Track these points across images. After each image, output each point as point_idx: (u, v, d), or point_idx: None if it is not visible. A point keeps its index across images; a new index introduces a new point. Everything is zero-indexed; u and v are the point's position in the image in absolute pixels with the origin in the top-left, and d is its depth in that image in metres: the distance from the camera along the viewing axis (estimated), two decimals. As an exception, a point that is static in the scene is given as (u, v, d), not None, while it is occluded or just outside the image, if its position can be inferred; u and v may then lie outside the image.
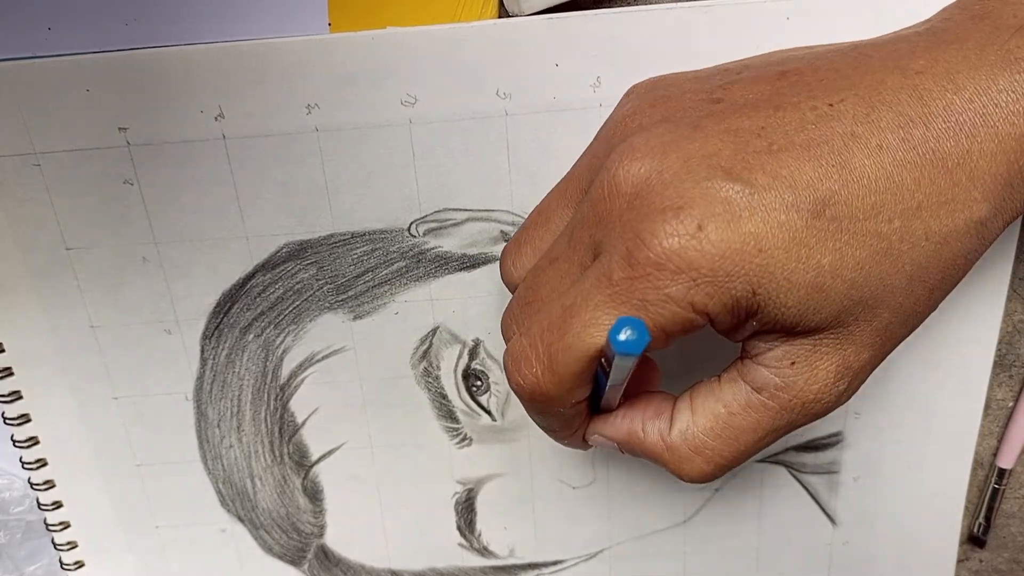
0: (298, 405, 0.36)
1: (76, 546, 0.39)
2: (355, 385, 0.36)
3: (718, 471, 0.26)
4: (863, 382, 0.25)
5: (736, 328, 0.23)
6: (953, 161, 0.22)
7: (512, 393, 0.35)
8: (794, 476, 0.38)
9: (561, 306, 0.23)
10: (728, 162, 0.22)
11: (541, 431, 0.35)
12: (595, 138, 0.27)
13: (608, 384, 0.24)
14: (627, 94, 0.27)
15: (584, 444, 0.29)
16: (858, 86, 0.23)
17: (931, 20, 0.26)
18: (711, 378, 0.26)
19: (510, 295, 0.34)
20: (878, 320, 0.23)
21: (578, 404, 0.25)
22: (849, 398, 0.25)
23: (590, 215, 0.24)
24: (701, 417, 0.25)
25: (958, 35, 0.23)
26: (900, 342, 0.25)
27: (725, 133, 0.23)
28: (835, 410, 0.25)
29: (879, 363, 0.25)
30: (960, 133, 0.22)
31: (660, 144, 0.23)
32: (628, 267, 0.22)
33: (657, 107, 0.25)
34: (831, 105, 0.23)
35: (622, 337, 0.20)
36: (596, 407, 0.27)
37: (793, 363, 0.24)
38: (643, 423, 0.26)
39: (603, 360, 0.23)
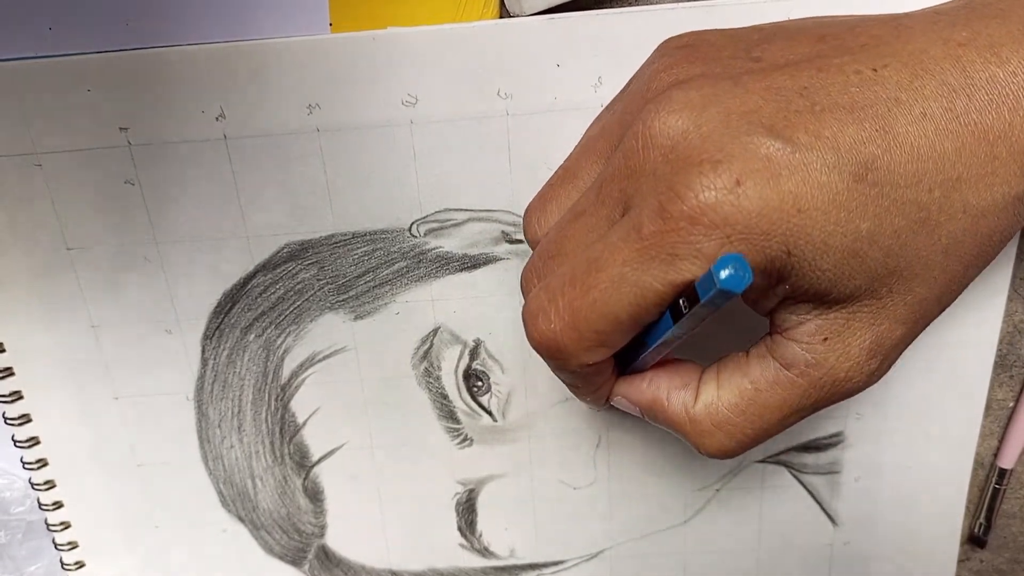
0: (299, 405, 0.36)
1: (77, 546, 0.38)
2: (356, 385, 0.36)
3: (739, 448, 0.25)
4: (893, 363, 0.25)
5: (766, 293, 0.23)
6: (995, 134, 0.22)
7: (513, 394, 0.35)
8: (795, 476, 0.38)
9: (586, 259, 0.23)
10: (770, 119, 0.21)
11: (543, 432, 0.35)
12: (624, 92, 0.27)
13: (662, 340, 0.23)
14: (658, 49, 0.26)
15: (605, 404, 0.28)
16: (900, 53, 0.22)
17: None
18: (738, 353, 0.26)
19: (509, 296, 0.34)
20: (912, 294, 0.23)
21: (599, 363, 0.24)
22: (879, 378, 0.24)
23: (622, 168, 0.23)
24: (727, 392, 0.25)
25: (1000, 10, 0.23)
26: (932, 320, 0.24)
27: (767, 91, 0.22)
28: (863, 391, 0.24)
29: (910, 342, 0.24)
30: (1003, 106, 0.22)
31: (699, 97, 0.22)
32: (660, 220, 0.21)
33: (694, 62, 0.24)
34: (875, 70, 0.22)
35: (724, 274, 0.19)
36: (623, 367, 0.27)
37: (826, 339, 0.23)
38: (668, 392, 0.26)
39: (671, 310, 0.22)
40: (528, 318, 0.24)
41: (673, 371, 0.26)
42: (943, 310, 0.24)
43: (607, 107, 0.28)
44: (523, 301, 0.26)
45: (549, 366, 0.26)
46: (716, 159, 0.21)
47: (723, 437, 0.25)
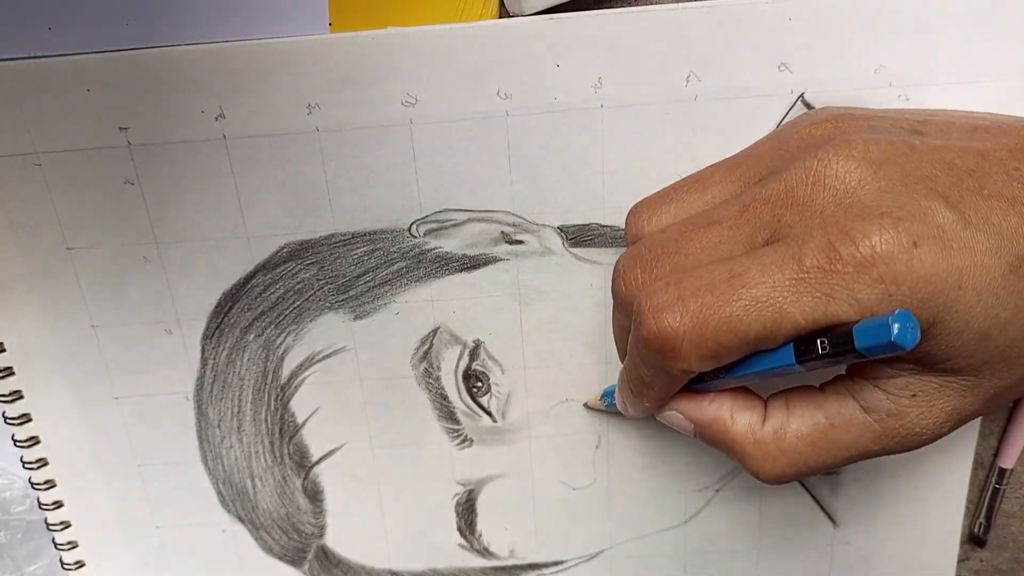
0: (298, 405, 0.36)
1: (76, 546, 0.38)
2: (355, 385, 0.36)
3: (797, 476, 0.26)
4: (958, 428, 0.25)
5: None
6: None
7: (512, 394, 0.35)
8: (795, 477, 0.38)
9: (728, 271, 0.23)
10: (945, 190, 0.22)
11: (542, 432, 0.35)
12: (776, 134, 0.27)
13: (772, 368, 0.23)
14: (812, 111, 0.27)
15: (650, 414, 0.28)
16: None
17: None
18: (809, 386, 0.26)
19: (509, 296, 0.34)
20: (1006, 380, 0.24)
21: (692, 372, 0.25)
22: (941, 438, 0.25)
23: (781, 195, 0.23)
24: (798, 421, 0.25)
25: None
26: (1008, 400, 0.25)
27: (940, 163, 0.23)
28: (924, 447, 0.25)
29: (979, 416, 0.26)
30: None
31: (878, 151, 0.23)
32: (826, 258, 0.22)
33: (858, 121, 0.25)
34: None
35: (897, 327, 0.20)
36: (687, 384, 0.27)
37: (914, 395, 0.24)
38: (732, 412, 0.26)
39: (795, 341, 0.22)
40: (650, 310, 0.24)
41: (737, 394, 0.27)
42: (1019, 396, 0.25)
43: (764, 139, 0.28)
44: (616, 286, 0.26)
45: (644, 361, 0.25)
46: (898, 215, 0.21)
47: (786, 464, 0.25)
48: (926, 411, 0.24)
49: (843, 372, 0.26)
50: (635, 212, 0.28)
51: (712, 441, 0.27)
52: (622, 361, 0.29)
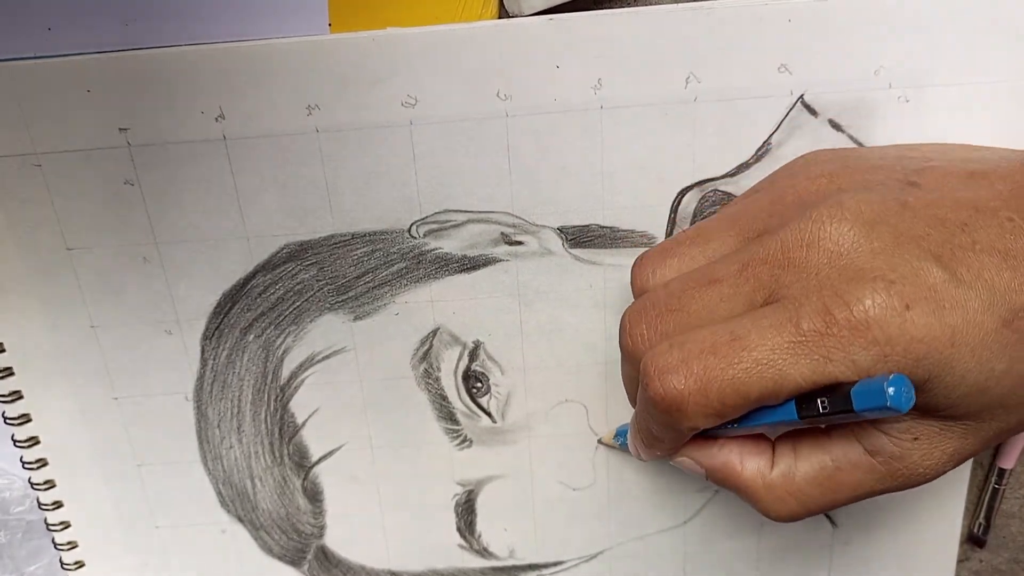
0: (298, 406, 0.36)
1: (76, 546, 0.39)
2: (355, 386, 0.36)
3: (806, 515, 0.27)
4: (959, 466, 0.26)
5: None
6: None
7: (512, 395, 0.35)
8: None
9: (729, 333, 0.24)
10: (937, 249, 0.23)
11: (542, 433, 0.35)
12: (773, 185, 0.28)
13: (774, 422, 0.24)
14: (805, 157, 0.28)
15: (661, 459, 0.29)
16: None
17: None
18: (815, 429, 0.27)
19: (509, 297, 0.34)
20: (1006, 422, 0.24)
21: (698, 429, 0.25)
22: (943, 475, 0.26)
23: (778, 256, 0.24)
24: (805, 464, 0.26)
25: None
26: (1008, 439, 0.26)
27: (932, 219, 0.23)
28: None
29: (980, 453, 0.26)
30: None
31: (870, 212, 0.23)
32: (822, 321, 0.22)
33: (854, 174, 0.26)
34: None
35: (892, 391, 0.21)
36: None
37: (916, 439, 0.24)
38: (741, 457, 0.27)
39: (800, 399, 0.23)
40: (655, 373, 0.25)
41: (744, 439, 0.27)
42: (1019, 433, 0.26)
43: (751, 189, 0.29)
44: (623, 340, 0.27)
45: (652, 420, 0.26)
46: (890, 279, 0.22)
47: (795, 505, 0.26)
48: (928, 452, 0.24)
49: None
50: (639, 264, 0.29)
51: (723, 484, 0.28)
52: (632, 406, 0.30)
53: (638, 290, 0.29)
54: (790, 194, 0.27)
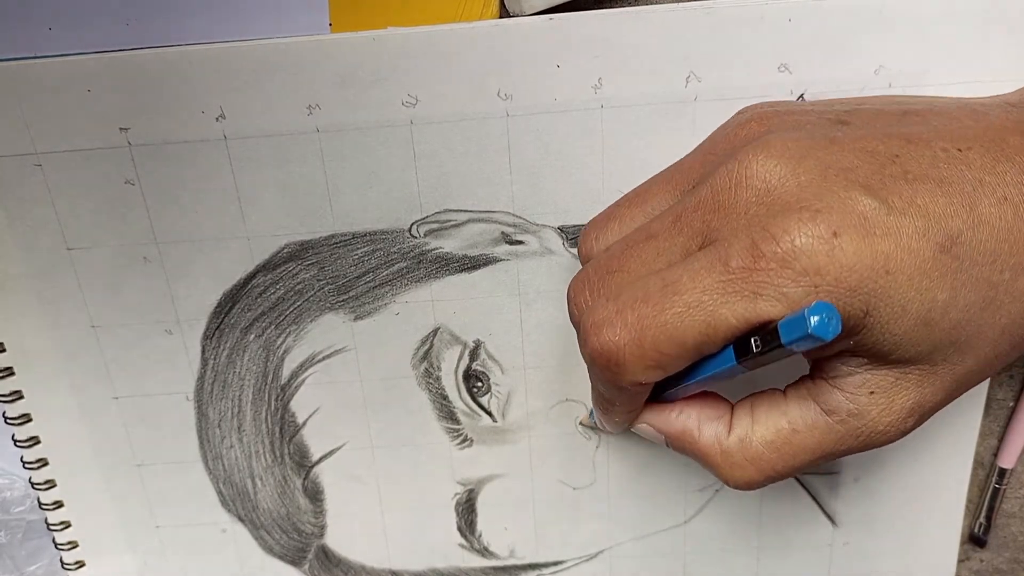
0: (299, 405, 0.36)
1: (77, 546, 0.39)
2: (356, 386, 0.36)
3: (767, 482, 0.26)
4: (926, 421, 0.25)
5: (830, 344, 0.23)
6: None
7: (513, 394, 0.35)
8: (794, 477, 0.38)
9: (662, 280, 0.23)
10: (866, 179, 0.22)
11: (542, 432, 0.35)
12: (708, 139, 0.27)
13: (715, 372, 0.24)
14: (741, 111, 0.27)
15: (626, 429, 0.28)
16: (982, 138, 0.24)
17: None
18: (773, 390, 0.26)
19: (509, 296, 0.34)
20: (962, 366, 0.24)
21: (645, 385, 0.25)
22: (908, 434, 0.25)
23: (708, 201, 0.24)
24: (762, 428, 0.25)
25: None
26: (969, 390, 0.25)
27: (862, 152, 0.23)
28: (891, 443, 0.25)
29: (946, 405, 0.25)
30: None
31: (797, 148, 0.23)
32: (750, 257, 0.22)
33: (783, 117, 0.25)
34: (960, 150, 0.23)
35: (815, 320, 0.20)
36: (652, 396, 0.27)
37: (872, 392, 0.24)
38: (699, 423, 0.26)
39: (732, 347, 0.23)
40: (591, 327, 0.24)
41: (704, 403, 0.27)
42: (981, 383, 0.25)
43: (696, 148, 0.29)
44: (569, 309, 0.27)
45: (596, 379, 0.26)
46: (815, 208, 0.21)
47: (754, 471, 0.26)
48: (886, 407, 0.24)
49: (807, 373, 0.26)
50: (584, 234, 0.29)
51: (682, 451, 0.27)
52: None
53: (584, 258, 0.28)
54: (721, 143, 0.26)
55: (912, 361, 0.23)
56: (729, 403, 0.27)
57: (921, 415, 0.24)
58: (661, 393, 0.27)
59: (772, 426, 0.25)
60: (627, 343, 0.23)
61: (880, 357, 0.23)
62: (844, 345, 0.23)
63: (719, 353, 0.23)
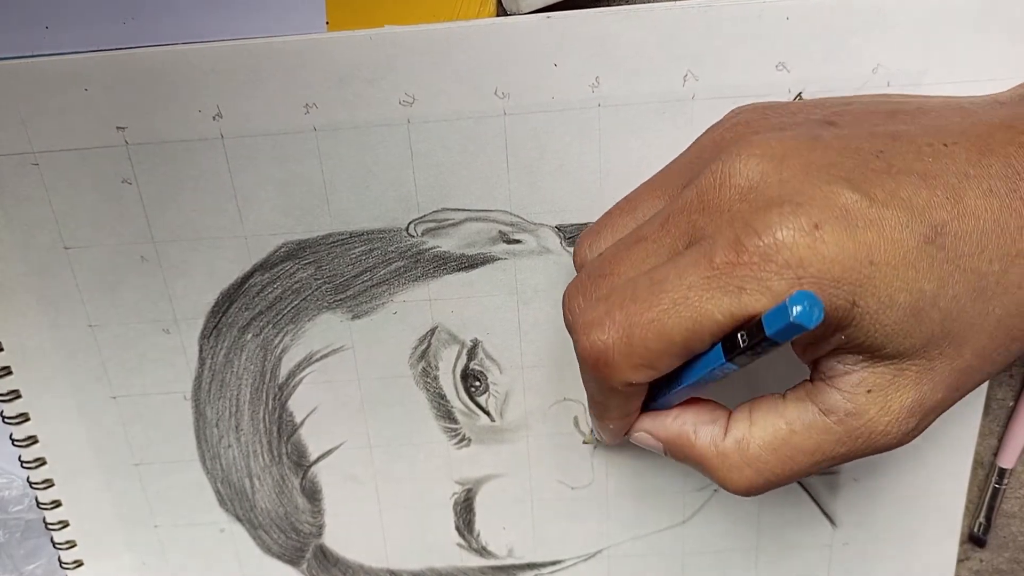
0: (296, 405, 0.36)
1: (75, 545, 0.39)
2: (353, 385, 0.36)
3: (766, 486, 0.26)
4: (929, 424, 0.25)
5: (821, 340, 0.23)
6: None
7: (511, 394, 0.35)
8: (794, 476, 0.38)
9: (649, 279, 0.23)
10: (848, 173, 0.22)
11: (541, 432, 0.35)
12: (696, 142, 0.28)
13: (707, 372, 0.24)
14: (731, 113, 0.27)
15: (623, 438, 0.28)
16: (968, 133, 0.24)
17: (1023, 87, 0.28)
18: (773, 394, 0.26)
19: (507, 295, 0.34)
20: (960, 359, 0.24)
21: (637, 386, 0.25)
22: (913, 439, 0.25)
23: (694, 202, 0.24)
24: (760, 430, 0.25)
25: None
26: (972, 389, 0.25)
27: (845, 149, 0.23)
28: (895, 448, 0.25)
29: (948, 407, 0.25)
30: None
31: (780, 147, 0.23)
32: (733, 252, 0.22)
33: (770, 118, 0.26)
34: (945, 145, 0.23)
35: (797, 309, 0.20)
36: (647, 404, 0.27)
37: (870, 391, 0.24)
38: (696, 427, 0.26)
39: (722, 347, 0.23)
40: (582, 328, 0.24)
41: (700, 408, 0.27)
42: (984, 381, 0.25)
43: (685, 150, 0.29)
44: (564, 315, 0.27)
45: (588, 381, 0.26)
46: (797, 202, 0.22)
47: (752, 474, 0.25)
48: (884, 407, 0.24)
49: (807, 377, 0.26)
50: (578, 243, 0.29)
51: (679, 457, 0.27)
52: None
53: (578, 267, 0.28)
54: (709, 146, 0.26)
55: (907, 355, 0.23)
56: (726, 408, 0.27)
57: (923, 415, 0.24)
58: (657, 400, 0.27)
59: (770, 427, 0.25)
60: (616, 342, 0.23)
61: (874, 351, 0.23)
62: (837, 340, 0.23)
63: (709, 352, 0.23)
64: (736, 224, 0.22)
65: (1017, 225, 0.22)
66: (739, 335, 0.22)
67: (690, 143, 0.28)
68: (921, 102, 0.26)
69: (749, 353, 0.22)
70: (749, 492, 0.26)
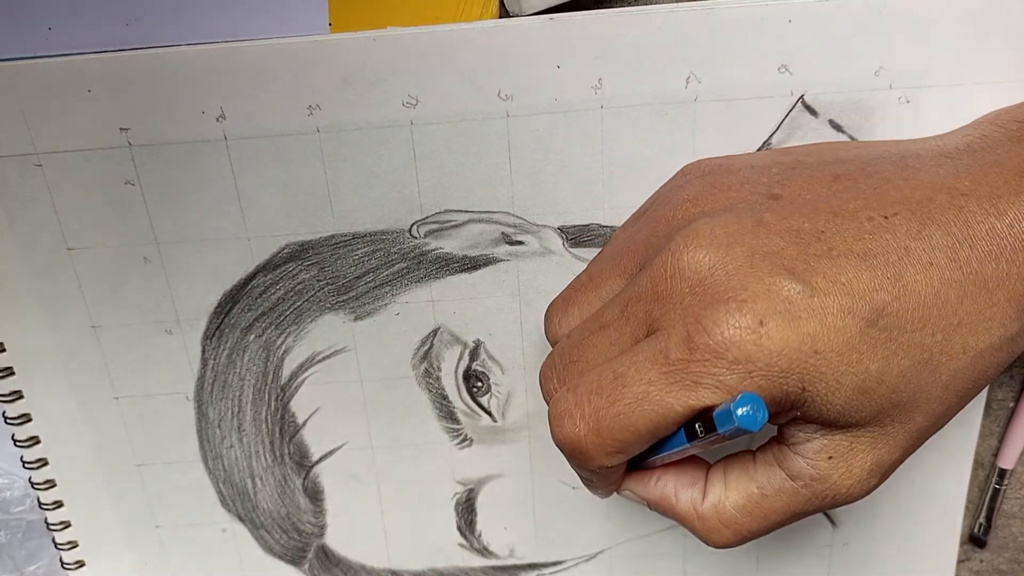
0: (299, 405, 0.36)
1: (77, 546, 0.39)
2: (356, 386, 0.36)
3: (743, 541, 0.27)
4: (889, 476, 0.26)
5: (778, 415, 0.24)
6: (993, 282, 0.23)
7: (512, 394, 0.35)
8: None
9: (612, 372, 0.24)
10: (791, 262, 0.23)
11: (542, 432, 0.35)
12: (648, 211, 0.28)
13: (673, 451, 0.25)
14: (682, 174, 0.29)
15: (610, 494, 0.30)
16: (909, 200, 0.24)
17: (969, 134, 0.28)
18: (744, 453, 0.27)
19: (509, 297, 0.34)
20: (912, 423, 0.24)
21: (617, 465, 0.26)
22: (875, 490, 0.26)
23: (648, 292, 0.25)
24: (734, 493, 0.26)
25: (998, 157, 0.25)
26: (927, 439, 0.26)
27: (787, 232, 0.24)
28: (858, 500, 0.26)
29: (906, 459, 0.26)
30: (1001, 257, 0.23)
31: (725, 235, 0.24)
32: (687, 350, 0.23)
33: (717, 194, 0.26)
34: (886, 218, 0.24)
35: (741, 411, 0.21)
36: (633, 463, 0.28)
37: (830, 457, 0.25)
38: (676, 489, 0.28)
39: (695, 426, 0.24)
40: (554, 419, 0.26)
41: (680, 469, 0.28)
42: (938, 431, 0.26)
43: (631, 219, 0.30)
44: (542, 392, 0.28)
45: (569, 461, 0.27)
46: (742, 298, 0.22)
47: (730, 534, 0.27)
48: (846, 471, 0.25)
49: (775, 434, 0.27)
50: (548, 316, 0.30)
51: (663, 515, 0.29)
52: None
53: (551, 341, 0.30)
54: (662, 224, 0.27)
55: (860, 425, 0.24)
56: (705, 465, 0.28)
57: (883, 473, 0.25)
58: (641, 461, 0.28)
59: (743, 491, 0.26)
60: (586, 433, 0.25)
61: (829, 424, 0.24)
62: (793, 414, 0.24)
63: (675, 434, 0.24)
64: (688, 320, 0.23)
65: (957, 295, 0.23)
66: (696, 426, 0.23)
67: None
68: (864, 160, 0.27)
69: (707, 439, 0.23)
70: (729, 547, 0.27)
